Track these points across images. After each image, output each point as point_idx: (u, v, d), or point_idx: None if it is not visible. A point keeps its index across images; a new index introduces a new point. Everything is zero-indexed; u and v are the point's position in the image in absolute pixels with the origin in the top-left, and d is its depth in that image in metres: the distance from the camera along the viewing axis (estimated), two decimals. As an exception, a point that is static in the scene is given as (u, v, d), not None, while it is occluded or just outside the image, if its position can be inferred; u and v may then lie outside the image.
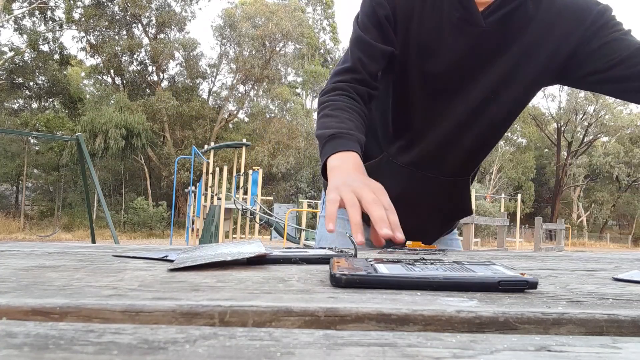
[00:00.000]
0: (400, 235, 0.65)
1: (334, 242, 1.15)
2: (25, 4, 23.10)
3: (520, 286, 0.36)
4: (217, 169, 11.80)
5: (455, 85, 1.00)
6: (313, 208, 15.78)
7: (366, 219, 0.71)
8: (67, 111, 24.70)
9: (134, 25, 25.73)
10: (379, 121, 1.11)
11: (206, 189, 12.53)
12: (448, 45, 0.97)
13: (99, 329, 0.25)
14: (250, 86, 27.26)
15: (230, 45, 26.79)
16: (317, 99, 1.07)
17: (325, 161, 0.89)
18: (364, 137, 0.95)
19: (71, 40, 52.52)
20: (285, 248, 0.63)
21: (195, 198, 13.27)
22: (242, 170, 12.11)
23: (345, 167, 0.85)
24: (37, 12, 23.58)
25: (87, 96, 25.66)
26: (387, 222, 0.66)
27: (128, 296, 0.31)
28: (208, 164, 12.79)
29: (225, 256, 0.47)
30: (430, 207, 1.10)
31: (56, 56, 24.62)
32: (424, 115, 1.04)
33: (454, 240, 1.23)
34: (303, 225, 12.20)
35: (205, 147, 14.45)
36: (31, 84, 24.55)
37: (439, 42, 0.97)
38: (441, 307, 0.29)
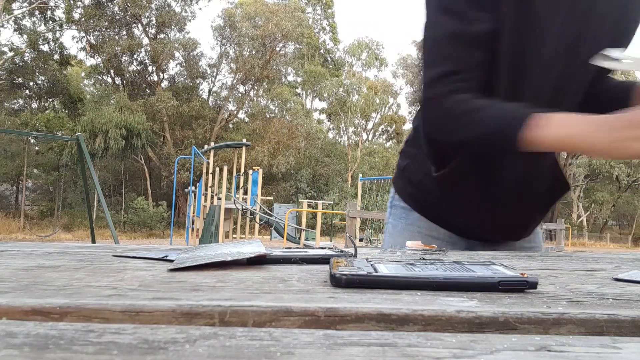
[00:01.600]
0: None
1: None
2: (25, 4, 23.10)
3: (520, 286, 0.36)
4: (217, 169, 11.80)
5: (550, 62, 0.89)
6: (313, 208, 15.78)
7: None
8: (67, 111, 24.70)
9: (134, 25, 25.73)
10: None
11: (206, 189, 12.53)
12: (542, 17, 0.86)
13: (99, 329, 0.24)
14: (250, 86, 27.26)
15: (230, 45, 26.79)
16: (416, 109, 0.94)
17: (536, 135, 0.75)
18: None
19: (71, 40, 52.57)
20: (285, 248, 0.63)
21: (195, 198, 13.27)
22: (242, 170, 12.11)
23: (589, 122, 0.73)
24: (37, 12, 23.58)
25: (87, 96, 25.66)
26: None
27: (128, 296, 0.31)
28: (208, 164, 12.79)
29: (225, 256, 0.47)
30: (541, 185, 0.99)
31: (56, 56, 24.63)
32: (512, 90, 0.90)
33: (537, 233, 1.12)
34: (303, 225, 12.20)
35: (205, 147, 14.46)
36: (31, 84, 24.55)
37: (532, 14, 0.85)
38: (441, 307, 0.29)
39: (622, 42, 0.93)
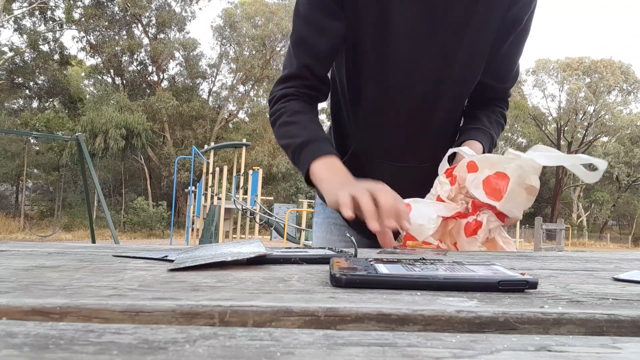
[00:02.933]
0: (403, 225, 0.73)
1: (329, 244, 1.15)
2: (25, 4, 23.10)
3: (520, 286, 0.36)
4: (217, 169, 11.79)
5: (412, 59, 0.93)
6: (313, 208, 15.76)
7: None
8: (67, 111, 24.70)
9: (134, 25, 25.74)
10: (345, 115, 1.06)
11: (206, 189, 12.52)
12: (400, 15, 0.90)
13: (99, 329, 0.25)
14: (250, 86, 27.27)
15: (230, 45, 26.80)
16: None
17: (308, 170, 0.88)
18: (329, 137, 0.94)
19: (71, 40, 52.55)
20: (285, 248, 0.63)
21: (195, 198, 13.26)
22: (242, 170, 12.11)
23: (336, 172, 0.85)
24: (37, 12, 23.58)
25: (87, 96, 25.67)
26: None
27: (128, 296, 0.31)
28: (208, 164, 12.79)
29: (225, 256, 0.47)
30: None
31: (56, 56, 24.63)
32: (384, 96, 0.98)
33: None
34: (303, 225, 12.20)
35: (205, 147, 14.45)
36: (31, 84, 24.55)
37: (389, 11, 0.90)
38: (441, 307, 0.29)
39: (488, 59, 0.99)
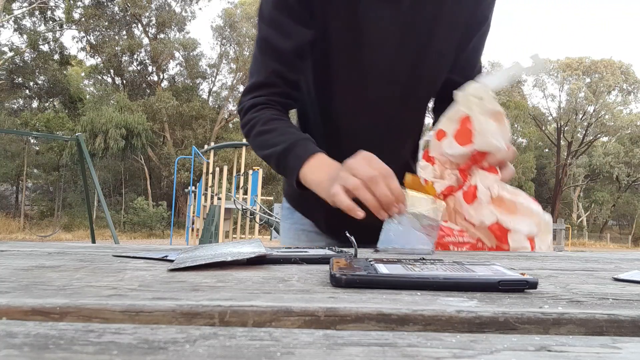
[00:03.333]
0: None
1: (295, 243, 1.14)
2: (25, 4, 23.10)
3: (520, 286, 0.36)
4: (217, 169, 11.79)
5: (383, 63, 0.92)
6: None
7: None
8: (67, 111, 24.70)
9: (134, 25, 25.74)
10: (312, 119, 1.03)
11: (206, 189, 12.52)
12: (370, 19, 0.88)
13: (99, 329, 0.25)
14: (250, 86, 27.18)
15: (230, 45, 26.79)
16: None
17: (299, 176, 0.84)
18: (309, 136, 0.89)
19: (71, 40, 52.54)
20: (285, 248, 0.63)
21: (195, 198, 13.26)
22: (242, 170, 12.11)
23: (326, 172, 0.81)
24: (37, 12, 23.58)
25: (87, 96, 25.67)
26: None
27: (128, 296, 0.31)
28: (208, 164, 12.79)
29: (225, 256, 0.47)
30: None
31: (56, 56, 24.63)
32: (355, 101, 0.96)
33: None
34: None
35: (205, 147, 14.45)
36: (31, 84, 24.55)
37: (359, 16, 0.88)
38: (441, 307, 0.29)
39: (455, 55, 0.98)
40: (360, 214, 0.72)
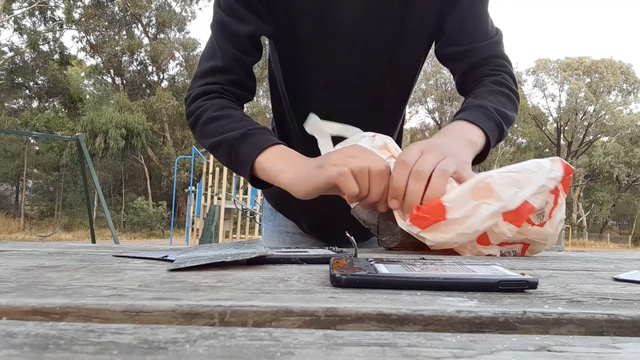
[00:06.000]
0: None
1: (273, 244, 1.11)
2: (25, 4, 23.10)
3: (520, 286, 0.36)
4: (217, 169, 11.79)
5: (353, 54, 0.89)
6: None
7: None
8: (67, 111, 24.71)
9: (134, 25, 25.75)
10: (287, 114, 0.99)
11: (206, 189, 12.52)
12: (338, 9, 0.85)
13: (99, 329, 0.25)
14: (250, 86, 27.19)
15: (230, 45, 26.73)
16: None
17: (252, 166, 0.75)
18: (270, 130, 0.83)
19: (71, 40, 52.42)
20: (285, 248, 0.63)
21: (195, 198, 13.26)
22: (242, 170, 12.08)
23: (295, 160, 0.73)
24: (37, 12, 23.58)
25: (87, 96, 25.67)
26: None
27: (128, 296, 0.31)
28: (208, 164, 12.78)
29: (225, 256, 0.47)
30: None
31: (56, 56, 24.64)
32: (326, 95, 0.92)
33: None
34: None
35: (205, 147, 14.42)
36: (31, 84, 24.55)
37: (328, 6, 0.85)
38: (441, 307, 0.29)
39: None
40: (370, 199, 0.66)
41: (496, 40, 0.93)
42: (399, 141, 1.07)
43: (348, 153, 0.68)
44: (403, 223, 0.66)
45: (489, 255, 0.66)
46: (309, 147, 0.90)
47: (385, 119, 0.99)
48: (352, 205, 0.73)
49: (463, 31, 0.91)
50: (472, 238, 0.63)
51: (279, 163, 0.73)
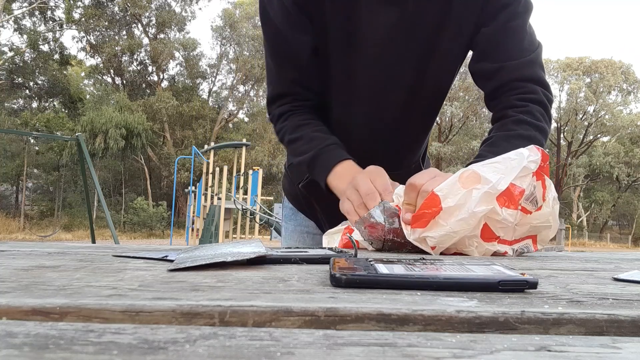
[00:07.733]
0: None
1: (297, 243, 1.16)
2: (25, 4, 23.10)
3: (520, 286, 0.36)
4: (217, 169, 11.80)
5: (383, 67, 0.91)
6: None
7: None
8: (67, 111, 24.71)
9: (134, 25, 25.75)
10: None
11: (206, 189, 12.52)
12: (371, 22, 0.87)
13: (99, 329, 0.25)
14: (250, 86, 27.27)
15: (230, 45, 26.79)
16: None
17: (327, 183, 0.88)
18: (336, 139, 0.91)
19: (71, 40, 52.51)
20: (285, 248, 0.63)
21: (195, 198, 13.26)
22: (242, 170, 12.10)
23: (345, 182, 0.84)
24: (37, 12, 23.58)
25: (87, 96, 25.67)
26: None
27: (128, 296, 0.31)
28: (208, 164, 12.79)
29: (225, 256, 0.47)
30: None
31: (56, 56, 24.63)
32: (355, 106, 0.95)
33: None
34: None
35: (205, 147, 14.45)
36: (31, 84, 24.56)
37: (360, 20, 0.86)
38: (441, 307, 0.29)
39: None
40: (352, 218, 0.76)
41: (530, 59, 0.88)
42: (423, 160, 1.11)
43: (356, 182, 0.79)
44: (409, 235, 0.68)
45: (503, 254, 0.67)
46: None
47: (415, 128, 1.01)
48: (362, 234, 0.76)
49: (496, 47, 0.88)
50: (472, 224, 0.64)
51: (339, 182, 0.87)
